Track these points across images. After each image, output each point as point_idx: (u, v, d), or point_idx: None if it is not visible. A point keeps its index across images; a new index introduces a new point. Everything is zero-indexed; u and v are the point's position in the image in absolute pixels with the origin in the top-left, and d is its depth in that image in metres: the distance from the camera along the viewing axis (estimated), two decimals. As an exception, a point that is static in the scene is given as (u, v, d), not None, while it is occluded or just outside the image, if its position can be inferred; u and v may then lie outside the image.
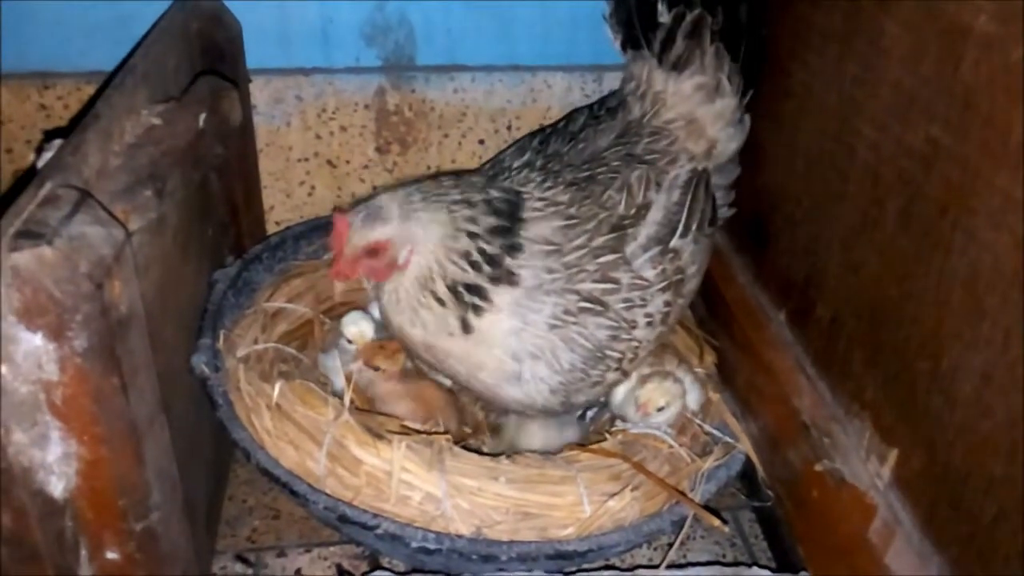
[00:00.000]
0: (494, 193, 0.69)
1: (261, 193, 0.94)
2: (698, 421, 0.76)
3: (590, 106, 0.84)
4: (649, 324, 0.70)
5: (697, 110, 0.76)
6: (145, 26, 0.76)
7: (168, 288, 0.63)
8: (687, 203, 0.73)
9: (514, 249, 0.67)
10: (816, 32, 0.67)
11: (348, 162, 0.96)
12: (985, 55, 0.47)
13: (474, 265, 0.65)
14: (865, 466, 0.60)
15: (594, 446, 0.73)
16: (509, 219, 0.67)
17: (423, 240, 0.66)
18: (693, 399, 0.77)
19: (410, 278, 0.66)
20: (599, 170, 0.73)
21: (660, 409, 0.74)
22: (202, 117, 0.62)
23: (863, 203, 0.60)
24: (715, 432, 0.76)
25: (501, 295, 0.66)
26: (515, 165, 0.75)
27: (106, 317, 0.44)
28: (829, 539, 0.64)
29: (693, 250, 0.73)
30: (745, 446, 0.74)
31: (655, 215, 0.71)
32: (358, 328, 0.80)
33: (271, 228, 0.97)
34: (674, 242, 0.71)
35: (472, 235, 0.66)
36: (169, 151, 0.57)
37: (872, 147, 0.58)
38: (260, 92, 0.90)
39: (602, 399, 0.79)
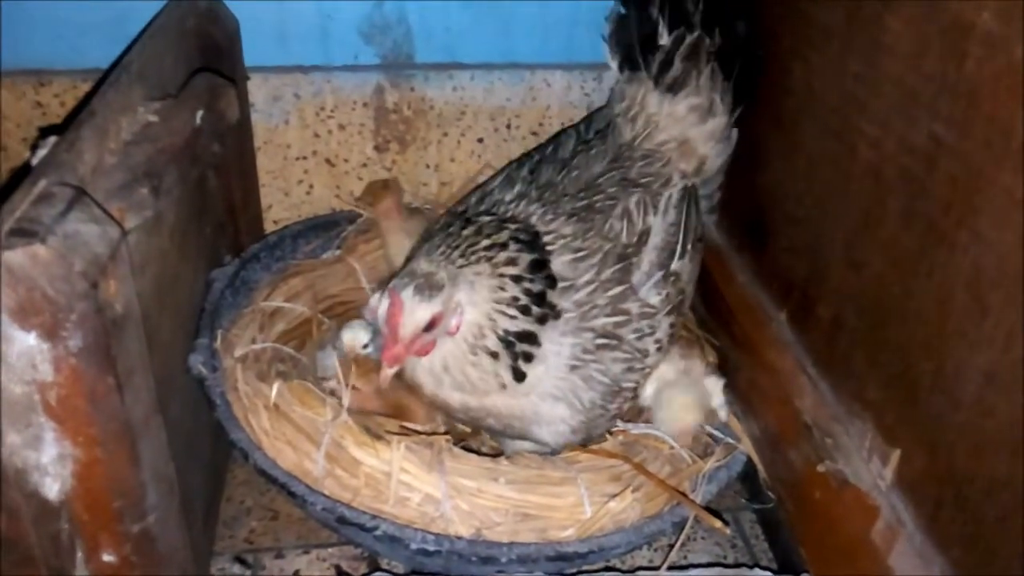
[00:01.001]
0: (515, 227, 0.66)
1: (259, 191, 0.94)
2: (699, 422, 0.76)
3: (577, 128, 0.84)
4: (659, 349, 0.71)
5: (690, 131, 0.77)
6: (142, 24, 0.76)
7: (165, 287, 0.63)
8: (682, 223, 0.74)
9: (553, 281, 0.65)
10: (817, 29, 0.67)
11: (347, 160, 0.95)
12: (988, 53, 0.46)
13: (524, 310, 0.63)
14: (867, 467, 0.60)
15: (594, 447, 0.73)
16: (540, 251, 0.66)
17: (473, 299, 0.62)
18: (718, 400, 0.76)
19: (458, 341, 0.63)
20: (596, 198, 0.72)
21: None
22: (199, 114, 0.61)
23: (865, 201, 0.60)
24: (716, 433, 0.75)
25: (547, 333, 0.64)
26: (508, 199, 0.73)
27: (101, 316, 0.44)
28: (831, 540, 0.63)
29: (690, 269, 0.74)
30: (746, 447, 0.74)
31: (655, 240, 0.72)
32: (352, 333, 0.80)
33: (269, 227, 0.96)
34: (674, 265, 0.72)
35: (516, 279, 0.63)
36: (165, 149, 0.56)
37: (874, 145, 0.58)
38: (258, 90, 0.90)
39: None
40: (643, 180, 0.74)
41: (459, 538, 0.63)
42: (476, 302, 0.62)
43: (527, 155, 0.83)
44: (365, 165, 0.96)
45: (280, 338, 0.80)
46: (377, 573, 0.70)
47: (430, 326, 0.61)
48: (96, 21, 0.84)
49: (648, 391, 0.75)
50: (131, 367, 0.48)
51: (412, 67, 0.92)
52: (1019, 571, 0.45)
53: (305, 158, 0.94)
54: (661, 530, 0.67)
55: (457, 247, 0.64)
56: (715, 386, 0.76)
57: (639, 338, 0.69)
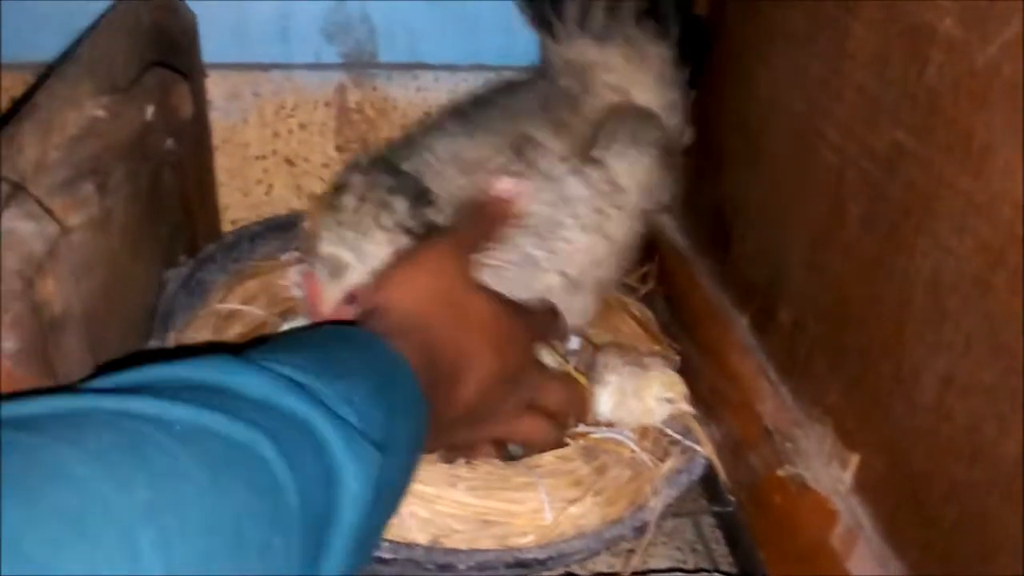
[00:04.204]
0: (387, 179, 0.67)
1: (216, 191, 0.92)
2: (660, 426, 0.76)
3: (510, 81, 0.83)
4: (580, 227, 0.70)
5: (629, 85, 0.76)
6: (93, 18, 0.74)
7: (115, 288, 0.61)
8: (613, 121, 0.73)
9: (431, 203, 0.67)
10: (781, 35, 0.67)
11: (307, 160, 0.94)
12: (950, 58, 0.46)
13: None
14: (827, 471, 0.60)
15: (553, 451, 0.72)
16: (413, 187, 0.67)
17: (379, 261, 0.64)
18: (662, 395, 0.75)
19: None
20: (513, 117, 0.72)
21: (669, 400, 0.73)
22: (149, 110, 0.60)
23: (826, 207, 0.60)
24: (677, 437, 0.75)
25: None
26: (425, 135, 0.74)
27: (37, 317, 0.42)
28: (791, 545, 0.63)
29: (627, 168, 0.72)
30: (707, 451, 0.74)
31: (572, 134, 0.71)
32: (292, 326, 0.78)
33: (227, 227, 0.94)
34: (596, 152, 0.71)
35: (406, 230, 0.64)
36: (113, 145, 0.55)
37: (836, 150, 0.58)
38: (216, 87, 0.88)
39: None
40: (571, 98, 0.74)
41: (416, 545, 0.62)
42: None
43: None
44: (326, 165, 0.94)
45: (236, 341, 0.78)
46: (333, 582, 0.68)
47: (351, 300, 0.63)
48: (49, 14, 0.81)
49: (604, 407, 0.74)
50: (71, 370, 0.46)
51: (375, 67, 0.90)
52: (976, 575, 0.45)
53: (264, 157, 0.93)
54: (621, 535, 0.66)
55: (347, 223, 0.65)
56: (666, 379, 0.74)
57: (551, 208, 0.69)
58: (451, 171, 0.69)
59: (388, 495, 0.40)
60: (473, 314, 0.58)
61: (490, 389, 0.58)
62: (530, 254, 0.68)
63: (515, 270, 0.68)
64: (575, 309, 0.75)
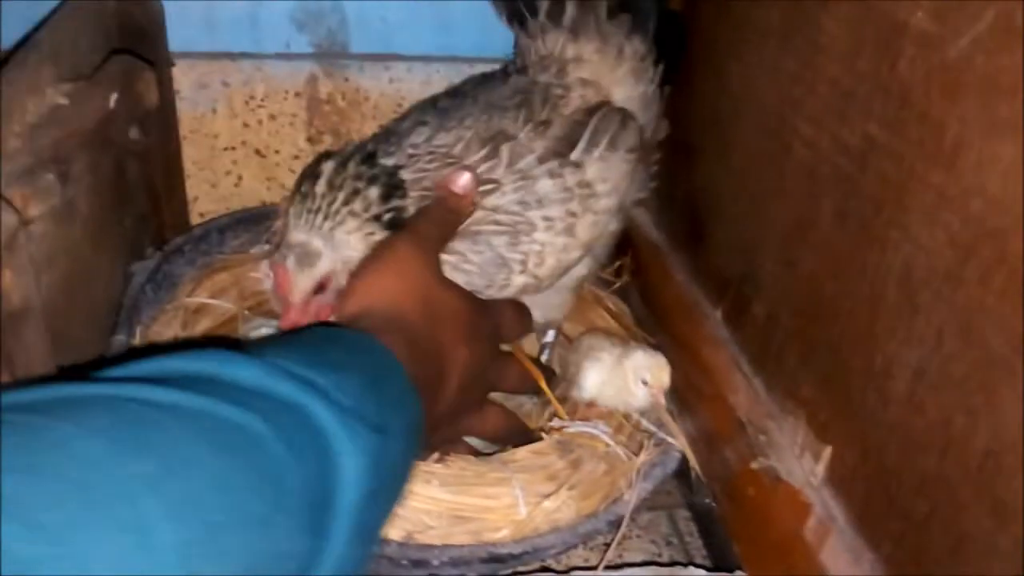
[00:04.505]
0: (358, 164, 0.66)
1: (184, 182, 0.90)
2: (637, 416, 0.76)
3: (484, 73, 0.82)
4: (549, 228, 0.70)
5: (601, 77, 0.75)
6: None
7: (77, 281, 0.59)
8: (593, 122, 0.72)
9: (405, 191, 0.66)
10: (754, 29, 0.67)
11: (278, 152, 0.92)
12: (921, 53, 0.47)
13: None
14: (800, 464, 0.60)
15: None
16: (387, 177, 0.66)
17: (352, 256, 0.63)
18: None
19: None
20: (491, 111, 0.72)
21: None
22: (113, 98, 0.58)
23: (799, 200, 0.60)
24: (652, 429, 0.75)
25: None
26: (403, 126, 0.72)
27: (-6, 310, 0.40)
28: (765, 537, 0.64)
29: (601, 169, 0.72)
30: (681, 444, 0.74)
31: (554, 131, 0.71)
32: (259, 333, 0.77)
33: (195, 219, 0.92)
34: (575, 155, 0.70)
35: (376, 217, 0.64)
36: (75, 133, 0.53)
37: (809, 144, 0.58)
38: (184, 76, 0.86)
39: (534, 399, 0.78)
40: (545, 94, 0.73)
41: (389, 542, 0.61)
42: (357, 254, 0.63)
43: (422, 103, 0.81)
44: (297, 157, 0.93)
45: (205, 336, 0.77)
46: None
47: (321, 288, 0.63)
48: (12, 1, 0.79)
49: (590, 382, 0.74)
50: (30, 364, 0.44)
51: (347, 57, 0.89)
52: (946, 567, 0.46)
53: (234, 148, 0.91)
54: (596, 529, 0.66)
55: (318, 210, 0.64)
56: (652, 362, 0.74)
57: (523, 207, 0.68)
58: (427, 164, 0.68)
59: (389, 480, 0.40)
60: (445, 310, 0.58)
61: (465, 385, 0.58)
62: (500, 254, 0.68)
63: (483, 268, 0.67)
64: (546, 305, 0.75)
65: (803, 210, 0.59)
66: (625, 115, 0.75)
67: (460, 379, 0.57)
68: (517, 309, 0.70)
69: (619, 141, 0.73)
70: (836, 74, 0.55)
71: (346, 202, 0.64)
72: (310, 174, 0.67)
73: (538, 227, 0.69)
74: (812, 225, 0.58)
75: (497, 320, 0.66)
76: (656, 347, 0.82)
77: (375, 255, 0.61)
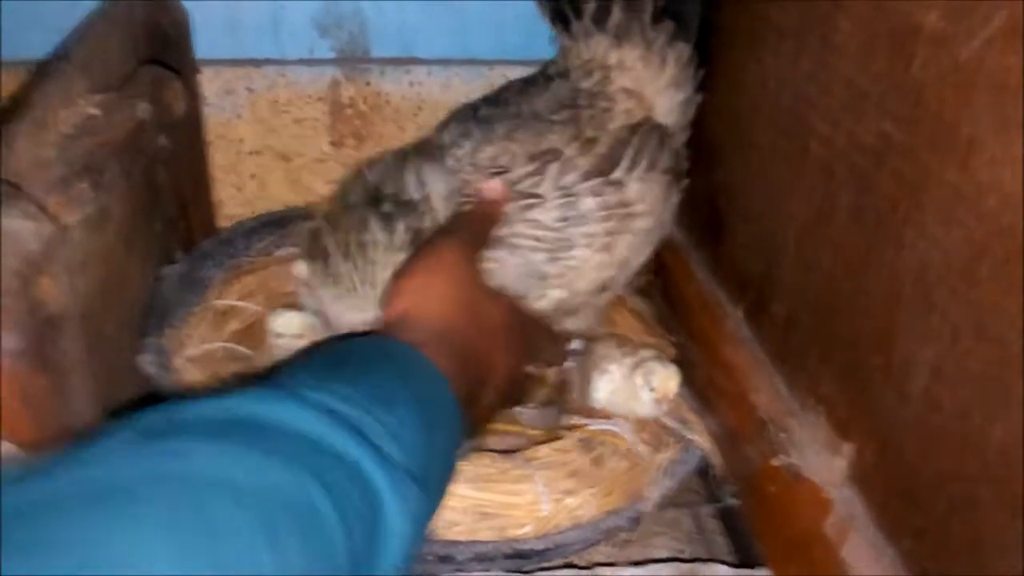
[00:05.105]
0: (370, 208, 0.67)
1: (211, 187, 0.92)
2: (657, 417, 0.76)
3: (525, 78, 0.80)
4: (589, 246, 0.70)
5: (645, 86, 0.74)
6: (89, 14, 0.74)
7: (111, 285, 0.61)
8: (634, 140, 0.72)
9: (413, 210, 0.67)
10: (771, 29, 0.67)
11: (301, 156, 0.94)
12: (935, 53, 0.47)
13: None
14: (821, 460, 0.60)
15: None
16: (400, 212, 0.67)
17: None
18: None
19: None
20: (535, 123, 0.71)
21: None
22: (143, 107, 0.60)
23: (816, 199, 0.60)
24: (675, 427, 0.75)
25: None
26: (447, 139, 0.73)
27: (34, 316, 0.42)
28: (786, 534, 0.64)
29: (640, 189, 0.71)
30: (703, 442, 0.74)
31: (599, 149, 0.70)
32: (284, 319, 0.77)
33: (222, 223, 0.94)
34: (617, 173, 0.70)
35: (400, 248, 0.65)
36: (107, 142, 0.55)
37: (825, 143, 0.59)
38: (210, 83, 0.88)
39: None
40: (591, 109, 0.73)
41: (415, 538, 0.62)
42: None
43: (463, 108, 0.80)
44: (320, 160, 0.94)
45: (233, 337, 0.78)
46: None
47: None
48: (43, 11, 0.81)
49: (600, 393, 0.75)
50: (68, 367, 0.46)
51: (368, 61, 0.91)
52: (965, 563, 0.46)
53: (259, 153, 0.93)
54: (618, 526, 0.67)
55: (348, 256, 0.65)
56: (662, 373, 0.74)
57: (564, 223, 0.68)
58: (469, 176, 0.68)
59: (423, 523, 0.41)
60: (488, 318, 0.58)
61: (504, 393, 0.59)
62: (538, 268, 0.68)
63: (521, 279, 0.67)
64: (578, 319, 0.75)
65: (820, 208, 0.60)
66: (663, 134, 0.74)
67: (501, 387, 0.57)
68: (554, 338, 0.71)
69: (658, 162, 0.72)
70: (851, 73, 0.55)
71: (362, 250, 0.65)
72: (313, 234, 0.68)
73: (578, 244, 0.69)
74: (829, 223, 0.58)
75: (532, 334, 0.66)
76: (677, 346, 0.83)
77: (421, 255, 0.60)
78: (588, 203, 0.69)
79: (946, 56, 0.45)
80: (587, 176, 0.69)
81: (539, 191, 0.68)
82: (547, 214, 0.68)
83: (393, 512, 0.35)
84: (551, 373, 0.75)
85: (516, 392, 0.65)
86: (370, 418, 0.38)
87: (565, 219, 0.68)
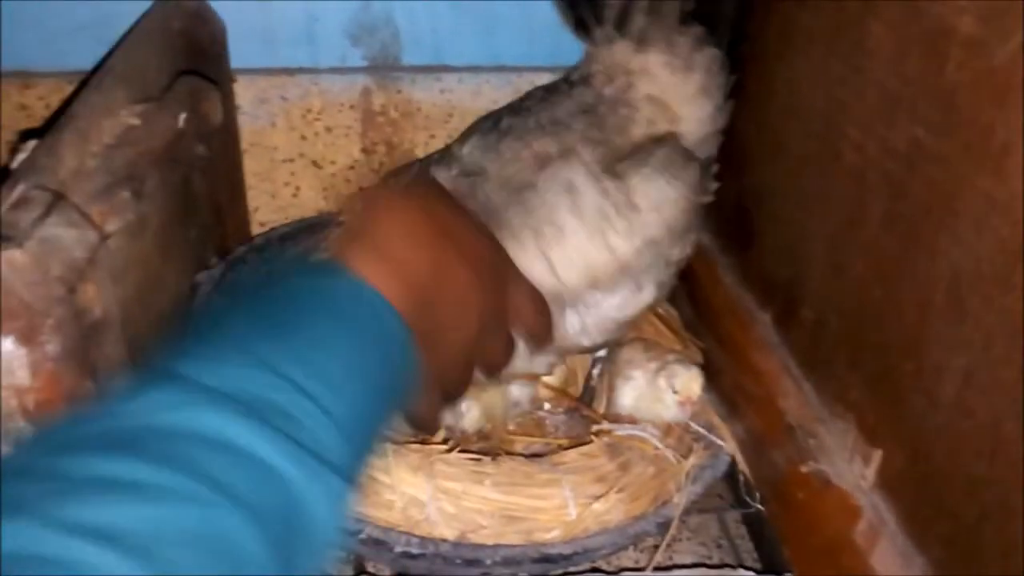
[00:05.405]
0: None
1: (246, 194, 0.94)
2: (685, 421, 0.76)
3: (546, 86, 0.79)
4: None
5: (668, 91, 0.73)
6: (128, 25, 0.76)
7: (149, 291, 0.63)
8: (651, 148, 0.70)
9: None
10: (802, 33, 0.67)
11: (334, 163, 0.95)
12: (968, 57, 0.47)
13: None
14: (850, 467, 0.60)
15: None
16: None
17: None
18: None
19: None
20: (555, 129, 0.70)
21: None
22: (182, 117, 0.61)
23: (847, 204, 0.60)
24: (701, 432, 0.75)
25: None
26: (465, 150, 0.72)
27: (79, 321, 0.44)
28: (814, 540, 0.64)
29: (648, 187, 0.69)
30: (731, 447, 0.74)
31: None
32: None
33: (256, 229, 0.96)
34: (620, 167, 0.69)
35: None
36: (147, 152, 0.56)
37: (857, 148, 0.58)
38: (244, 92, 0.90)
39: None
40: (613, 116, 0.71)
41: (444, 541, 0.63)
42: None
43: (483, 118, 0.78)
44: (352, 167, 0.96)
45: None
46: (363, 576, 0.70)
47: None
48: (82, 22, 0.83)
49: (625, 400, 0.75)
50: (111, 371, 0.47)
51: (399, 69, 0.92)
52: (996, 570, 0.46)
53: (292, 160, 0.94)
54: (646, 530, 0.67)
55: None
56: (686, 378, 0.73)
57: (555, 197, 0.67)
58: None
59: (348, 493, 0.37)
60: (467, 248, 0.51)
61: (482, 330, 0.51)
62: (518, 234, 0.65)
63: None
64: (603, 329, 0.71)
65: (851, 214, 0.59)
66: (687, 153, 0.72)
67: (478, 325, 0.50)
68: (538, 302, 0.59)
69: (674, 170, 0.70)
70: (883, 78, 0.55)
71: None
72: None
73: (562, 211, 0.67)
74: (860, 229, 0.58)
75: (516, 281, 0.57)
76: (704, 351, 0.82)
77: (395, 182, 0.57)
78: (581, 181, 0.67)
79: (980, 60, 0.45)
80: (592, 170, 0.68)
81: (535, 180, 0.67)
82: (539, 197, 0.67)
83: (316, 507, 0.33)
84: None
85: (495, 345, 0.54)
86: (288, 386, 0.35)
87: (555, 192, 0.67)
